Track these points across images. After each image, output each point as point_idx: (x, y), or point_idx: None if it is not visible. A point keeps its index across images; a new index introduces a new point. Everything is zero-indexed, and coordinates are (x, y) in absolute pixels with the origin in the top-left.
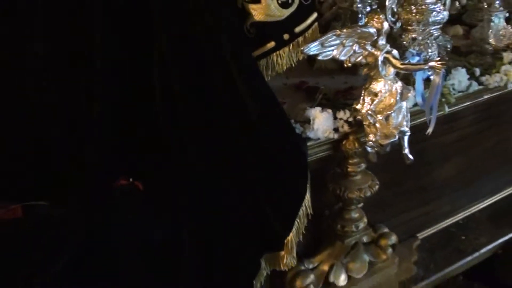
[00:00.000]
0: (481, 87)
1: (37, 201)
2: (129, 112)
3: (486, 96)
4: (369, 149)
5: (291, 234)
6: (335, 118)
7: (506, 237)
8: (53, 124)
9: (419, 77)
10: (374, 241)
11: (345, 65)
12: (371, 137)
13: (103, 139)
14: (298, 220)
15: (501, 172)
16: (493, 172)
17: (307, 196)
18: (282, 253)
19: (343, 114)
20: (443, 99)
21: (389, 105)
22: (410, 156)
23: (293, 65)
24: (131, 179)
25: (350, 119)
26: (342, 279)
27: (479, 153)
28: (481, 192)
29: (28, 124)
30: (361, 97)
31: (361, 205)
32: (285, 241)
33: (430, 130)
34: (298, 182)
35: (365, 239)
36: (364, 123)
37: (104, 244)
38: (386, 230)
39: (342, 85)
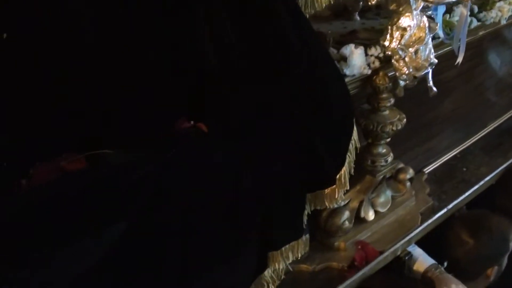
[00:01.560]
0: (478, 23)
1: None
2: (177, 55)
3: (481, 33)
4: (401, 82)
5: (343, 168)
6: (366, 54)
7: (504, 166)
8: (113, 70)
9: (440, 12)
10: (393, 176)
11: (369, 3)
12: (405, 69)
13: (160, 83)
14: (349, 154)
15: (487, 107)
16: (482, 108)
17: (354, 130)
18: (327, 190)
19: (374, 50)
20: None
21: (419, 38)
22: (434, 88)
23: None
24: (192, 122)
25: (381, 55)
26: (371, 214)
27: (471, 89)
28: (473, 127)
29: (88, 74)
30: (388, 33)
31: (388, 140)
32: (338, 176)
33: (459, 59)
34: (346, 116)
35: (387, 174)
36: (394, 58)
37: (178, 187)
38: (402, 165)
39: (342, 30)
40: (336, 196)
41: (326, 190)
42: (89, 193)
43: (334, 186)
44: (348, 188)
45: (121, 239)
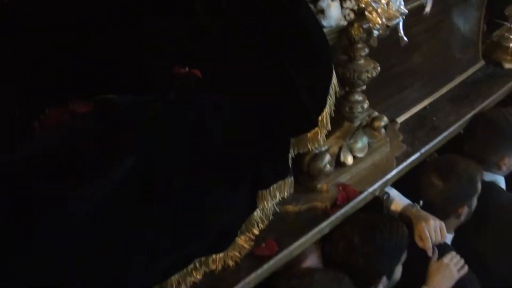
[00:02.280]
0: None
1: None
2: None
3: None
4: (375, 32)
5: (325, 110)
6: (341, 7)
7: (470, 115)
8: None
9: None
10: (369, 125)
11: None
12: (378, 20)
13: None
14: (329, 97)
15: (453, 62)
16: (448, 62)
17: (334, 75)
18: (310, 134)
19: (349, 3)
20: None
21: None
22: (405, 38)
23: None
24: (187, 68)
25: (355, 8)
26: (350, 159)
27: (438, 45)
28: (441, 80)
29: (95, 22)
30: None
31: (364, 87)
32: (321, 118)
33: (427, 9)
34: (326, 63)
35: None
36: (367, 9)
37: (179, 124)
38: (376, 113)
39: None
40: (319, 137)
41: (308, 134)
42: (101, 132)
43: (317, 128)
44: (330, 128)
45: (131, 172)
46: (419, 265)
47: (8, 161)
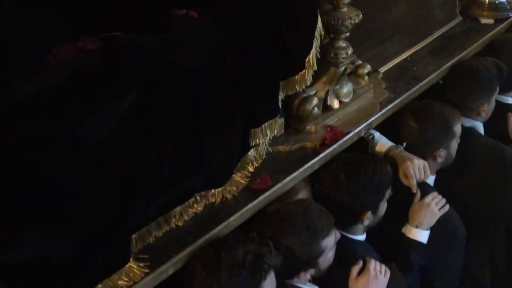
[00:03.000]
0: None
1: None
2: None
3: None
4: None
5: (311, 51)
6: None
7: (448, 64)
8: None
9: None
10: (353, 72)
11: None
12: None
13: None
14: (315, 40)
15: (431, 17)
16: (426, 18)
17: (319, 19)
18: (297, 76)
19: None
20: None
21: None
22: None
23: None
24: (185, 10)
25: None
26: (336, 103)
27: (417, 0)
28: (420, 34)
29: None
30: None
31: (348, 34)
32: (307, 59)
33: None
34: (311, 7)
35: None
36: None
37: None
38: (360, 62)
39: None
40: (306, 78)
41: (296, 76)
42: (106, 67)
43: (304, 70)
44: (316, 68)
45: (133, 107)
46: (402, 205)
47: (27, 89)
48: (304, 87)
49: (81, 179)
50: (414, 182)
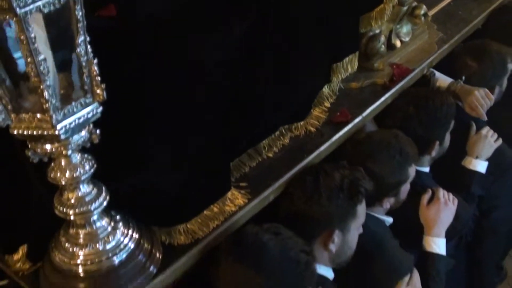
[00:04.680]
0: None
1: None
2: None
3: None
4: None
5: None
6: None
7: (490, 9)
8: None
9: None
10: (410, 13)
11: None
12: None
13: None
14: None
15: None
16: None
17: None
18: (374, 12)
19: None
20: None
21: None
22: None
23: None
24: None
25: None
26: (398, 42)
27: None
28: None
29: None
30: None
31: None
32: None
33: None
34: None
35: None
36: None
37: None
38: (415, 3)
39: None
40: (384, 13)
41: (373, 12)
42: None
43: (381, 5)
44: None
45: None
46: (458, 140)
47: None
48: (379, 23)
49: (198, 108)
50: (482, 111)
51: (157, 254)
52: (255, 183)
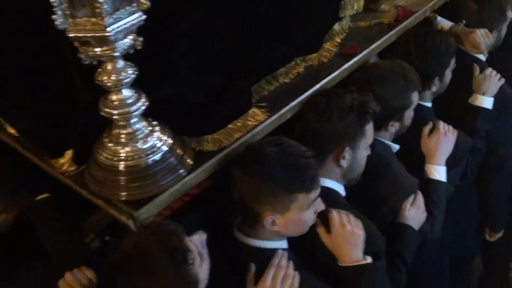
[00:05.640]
0: None
1: None
2: None
3: None
4: None
5: None
6: None
7: None
8: None
9: None
10: None
11: None
12: None
13: None
14: None
15: None
16: None
17: None
18: None
19: None
20: None
21: None
22: None
23: None
24: None
25: None
26: None
27: None
28: None
29: None
30: None
31: None
32: None
33: None
34: None
35: None
36: None
37: None
38: None
39: None
40: None
41: None
42: None
43: None
44: None
45: None
46: (461, 80)
47: None
48: None
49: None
50: (484, 47)
51: (188, 160)
52: (273, 103)
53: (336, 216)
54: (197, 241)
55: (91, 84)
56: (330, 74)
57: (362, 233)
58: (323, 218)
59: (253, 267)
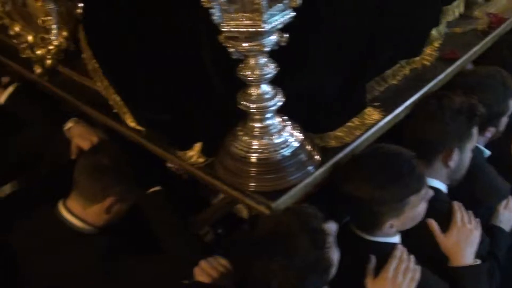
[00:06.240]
0: None
1: None
2: None
3: None
4: None
5: None
6: None
7: None
8: None
9: None
10: None
11: None
12: None
13: None
14: None
15: None
16: None
17: None
18: None
19: None
20: None
21: None
22: None
23: None
24: None
25: None
26: None
27: None
28: None
29: None
30: None
31: None
32: None
33: None
34: None
35: None
36: None
37: None
38: None
39: None
40: None
41: None
42: None
43: None
44: None
45: None
46: None
47: None
48: None
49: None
50: None
51: (317, 156)
52: (386, 103)
53: (458, 212)
54: (330, 229)
55: (224, 78)
56: (435, 77)
57: (479, 234)
58: (437, 214)
59: (373, 259)
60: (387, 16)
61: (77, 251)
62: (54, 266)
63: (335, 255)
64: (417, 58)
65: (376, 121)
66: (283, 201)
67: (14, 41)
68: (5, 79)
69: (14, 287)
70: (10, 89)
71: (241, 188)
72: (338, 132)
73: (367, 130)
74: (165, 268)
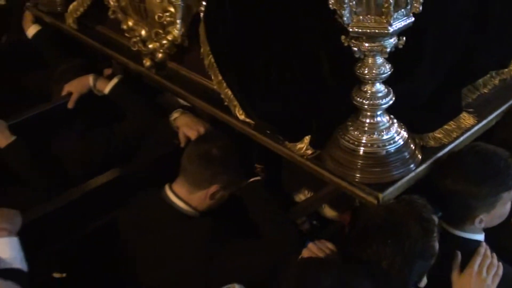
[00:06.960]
0: None
1: None
2: None
3: None
4: None
5: None
6: None
7: None
8: None
9: None
10: None
11: None
12: None
13: None
14: None
15: None
16: None
17: None
18: None
19: None
20: None
21: None
22: None
23: None
24: None
25: None
26: None
27: None
28: None
29: None
30: None
31: None
32: None
33: None
34: None
35: None
36: None
37: None
38: None
39: None
40: None
41: None
42: None
43: None
44: None
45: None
46: None
47: None
48: None
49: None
50: None
51: (418, 155)
52: (479, 110)
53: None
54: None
55: (338, 75)
56: None
57: None
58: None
59: (459, 254)
60: (490, 25)
61: (183, 232)
62: (159, 246)
63: (437, 245)
64: (506, 70)
65: (471, 125)
66: (390, 193)
67: (126, 35)
68: (108, 71)
69: (115, 267)
70: (114, 80)
71: (348, 179)
72: (437, 134)
73: (462, 133)
74: (267, 250)
